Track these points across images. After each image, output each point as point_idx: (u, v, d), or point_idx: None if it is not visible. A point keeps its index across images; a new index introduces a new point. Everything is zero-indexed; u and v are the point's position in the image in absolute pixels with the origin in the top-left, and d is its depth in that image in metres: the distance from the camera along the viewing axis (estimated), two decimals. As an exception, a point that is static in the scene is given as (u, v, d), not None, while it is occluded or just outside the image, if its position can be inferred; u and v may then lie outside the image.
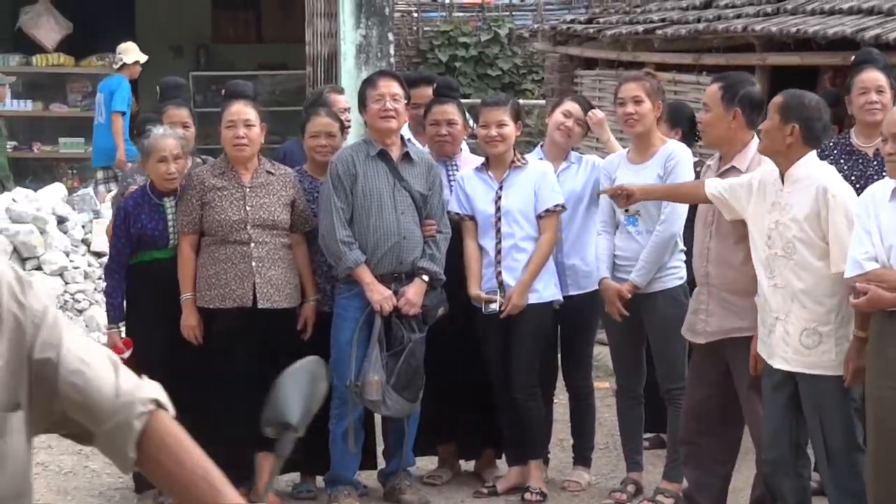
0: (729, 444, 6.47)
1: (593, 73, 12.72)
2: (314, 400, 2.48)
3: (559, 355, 7.46)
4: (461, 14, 18.67)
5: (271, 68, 18.36)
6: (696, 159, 7.30)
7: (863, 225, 5.48)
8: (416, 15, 18.34)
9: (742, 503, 6.64)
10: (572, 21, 13.62)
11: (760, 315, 5.96)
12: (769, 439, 5.96)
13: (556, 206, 7.10)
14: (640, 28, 11.82)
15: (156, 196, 7.09)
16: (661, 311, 6.90)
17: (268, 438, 2.46)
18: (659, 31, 11.52)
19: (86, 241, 11.58)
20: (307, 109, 7.62)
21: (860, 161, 6.73)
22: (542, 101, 14.45)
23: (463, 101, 8.15)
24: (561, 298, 7.18)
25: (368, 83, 7.19)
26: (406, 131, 7.38)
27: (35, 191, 11.88)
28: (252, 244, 6.93)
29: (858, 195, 5.75)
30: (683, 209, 6.89)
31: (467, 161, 7.50)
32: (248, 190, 6.99)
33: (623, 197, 6.67)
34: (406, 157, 7.05)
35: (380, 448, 7.34)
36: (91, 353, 2.37)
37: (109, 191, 12.59)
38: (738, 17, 10.82)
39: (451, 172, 7.41)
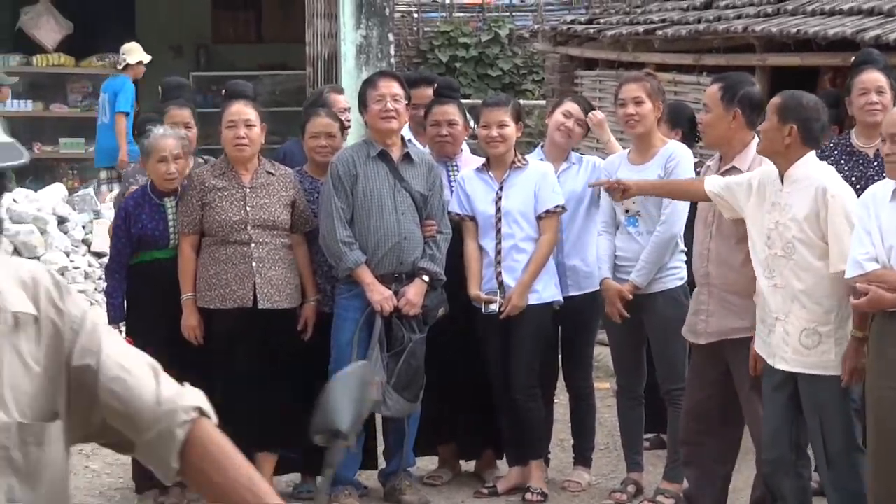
0: (729, 445, 6.47)
1: (594, 74, 12.72)
2: (364, 406, 2.40)
3: (559, 356, 7.46)
4: (461, 14, 18.66)
5: (271, 69, 18.35)
6: (697, 160, 7.31)
7: (863, 225, 5.49)
8: (416, 15, 18.33)
9: (742, 503, 6.65)
10: (573, 21, 13.62)
11: (759, 314, 5.96)
12: (769, 440, 5.96)
13: (557, 206, 7.10)
14: (641, 29, 11.82)
15: (156, 196, 7.09)
16: (662, 312, 6.90)
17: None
18: (659, 32, 11.51)
19: (86, 242, 11.59)
20: (307, 110, 7.62)
21: (860, 162, 6.74)
22: (543, 102, 14.45)
23: (463, 101, 8.15)
24: (561, 299, 7.18)
25: (369, 83, 7.19)
26: (406, 132, 7.38)
27: (35, 191, 11.89)
28: (252, 244, 6.93)
29: (859, 196, 5.75)
30: (684, 210, 6.89)
31: (468, 161, 7.50)
32: (248, 190, 6.99)
33: (619, 191, 6.67)
34: (406, 157, 7.05)
35: (380, 448, 7.34)
36: (131, 359, 2.32)
37: (112, 191, 12.60)
38: (739, 17, 10.82)
39: (451, 173, 7.41)
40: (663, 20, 11.77)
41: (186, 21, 18.86)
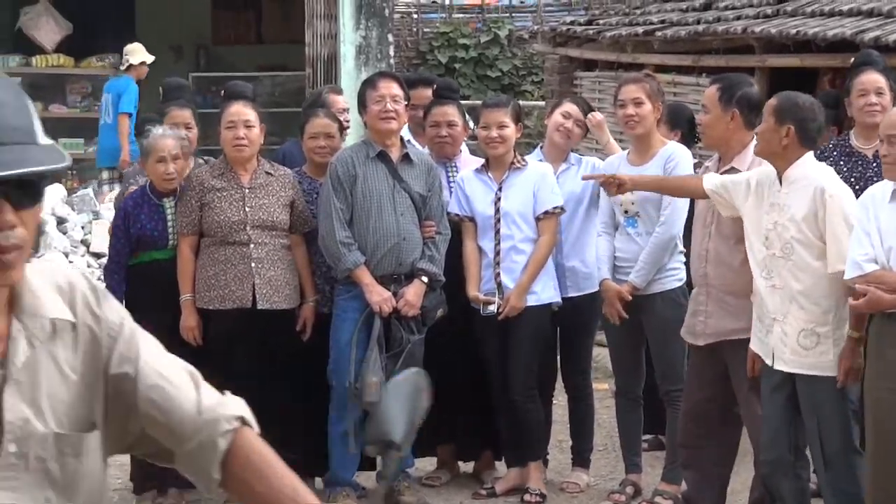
0: (727, 446, 6.47)
1: (593, 75, 12.73)
2: (417, 415, 2.34)
3: (558, 357, 7.46)
4: (461, 15, 18.69)
5: (271, 69, 18.36)
6: (696, 161, 7.30)
7: (862, 226, 5.49)
8: (415, 16, 18.35)
9: (741, 505, 6.65)
10: (572, 23, 13.63)
11: (756, 313, 5.95)
12: (768, 441, 5.96)
13: (555, 207, 7.10)
14: (640, 30, 11.83)
15: (155, 196, 7.09)
16: (661, 313, 6.90)
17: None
18: (658, 33, 11.53)
19: (85, 242, 11.58)
20: (306, 111, 7.62)
21: (860, 163, 6.74)
22: (542, 103, 14.46)
23: (462, 102, 8.15)
24: (559, 300, 7.18)
25: (368, 84, 7.19)
26: (406, 132, 7.38)
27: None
28: (251, 245, 6.93)
29: (858, 197, 5.76)
30: (683, 211, 6.88)
31: (467, 162, 7.49)
32: (247, 191, 6.99)
33: (614, 185, 6.66)
34: (406, 158, 7.04)
35: (379, 449, 7.34)
36: (170, 367, 2.27)
37: (113, 191, 12.61)
38: (738, 18, 10.83)
39: (450, 174, 7.41)
40: (662, 21, 11.78)
41: (186, 22, 18.88)
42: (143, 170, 7.40)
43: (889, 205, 5.46)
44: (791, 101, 5.83)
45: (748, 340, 6.04)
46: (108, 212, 10.72)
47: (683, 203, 6.84)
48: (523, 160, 7.22)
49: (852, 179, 6.49)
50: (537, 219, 7.09)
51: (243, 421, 2.29)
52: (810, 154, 5.85)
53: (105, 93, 14.44)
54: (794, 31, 9.77)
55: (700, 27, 10.97)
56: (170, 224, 7.05)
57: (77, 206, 12.06)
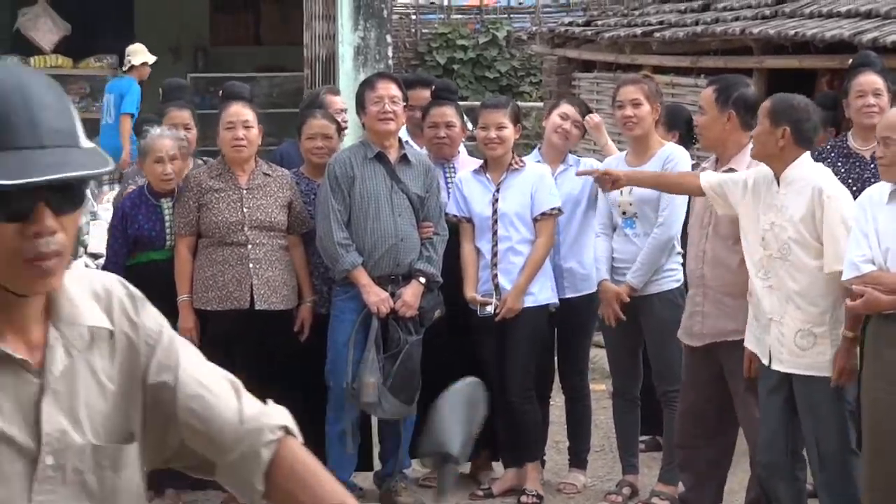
0: (724, 447, 6.47)
1: (591, 76, 12.74)
2: (474, 425, 2.21)
3: (555, 358, 7.46)
4: (459, 16, 18.70)
5: (269, 70, 18.36)
6: (694, 162, 7.30)
7: (860, 227, 5.49)
8: (414, 17, 18.37)
9: (738, 506, 6.65)
10: (570, 24, 13.65)
11: (752, 312, 5.95)
12: (765, 443, 5.96)
13: (553, 209, 7.10)
14: (638, 31, 11.84)
15: (153, 197, 7.09)
16: (658, 314, 6.90)
17: None
18: (657, 34, 11.53)
19: (82, 243, 11.56)
20: (303, 111, 7.62)
21: (857, 164, 6.74)
22: (540, 104, 14.46)
23: (461, 103, 8.15)
24: (557, 302, 7.17)
25: (367, 85, 7.19)
26: (404, 133, 7.38)
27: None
28: (249, 246, 6.93)
29: (856, 198, 5.76)
30: (682, 212, 6.88)
31: (465, 163, 7.49)
32: (245, 192, 6.99)
33: (609, 182, 6.65)
34: (404, 159, 7.04)
35: (376, 450, 7.34)
36: (211, 375, 2.20)
37: (112, 191, 12.61)
38: (736, 19, 10.84)
39: (448, 175, 7.41)
40: (661, 22, 11.79)
41: (185, 23, 18.88)
42: (141, 170, 7.40)
43: (886, 206, 5.47)
44: (785, 103, 5.84)
45: (744, 341, 6.04)
46: (105, 212, 10.70)
47: (682, 204, 6.83)
48: (521, 161, 7.22)
49: (850, 181, 6.49)
50: (535, 220, 7.09)
51: (287, 430, 2.22)
52: (807, 154, 5.86)
53: (107, 93, 14.43)
54: (792, 33, 9.78)
55: (698, 28, 10.97)
56: (167, 224, 7.05)
57: (75, 206, 12.04)
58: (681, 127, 7.86)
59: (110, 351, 2.11)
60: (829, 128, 7.47)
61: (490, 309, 7.04)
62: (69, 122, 1.96)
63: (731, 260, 6.20)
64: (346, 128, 7.76)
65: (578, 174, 7.10)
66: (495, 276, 7.07)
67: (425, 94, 7.68)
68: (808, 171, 5.81)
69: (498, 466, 7.51)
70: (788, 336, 5.77)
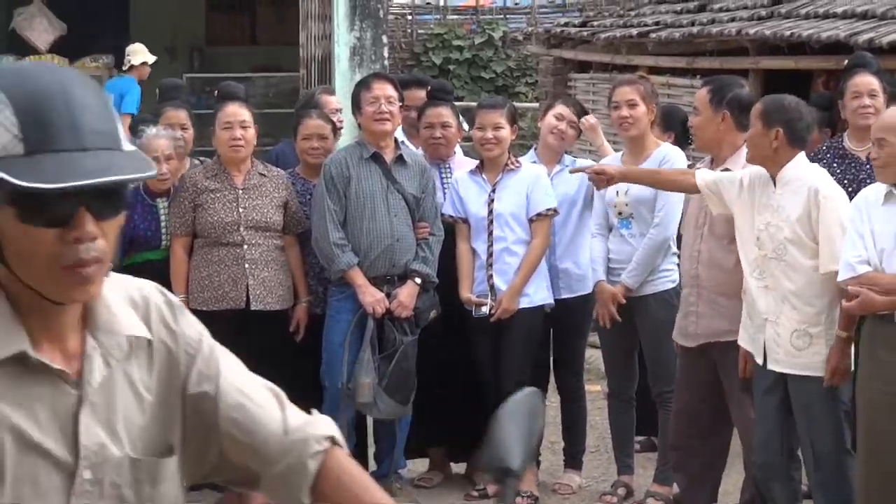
0: (719, 448, 6.47)
1: (587, 77, 12.74)
2: (534, 438, 2.19)
3: (551, 358, 7.45)
4: (455, 17, 18.70)
5: (265, 71, 18.36)
6: (689, 162, 7.30)
7: (855, 228, 5.49)
8: (410, 17, 18.37)
9: (733, 506, 6.66)
10: (566, 24, 13.65)
11: (747, 311, 5.95)
12: (760, 443, 5.96)
13: (548, 210, 7.09)
14: (634, 31, 11.84)
15: (149, 196, 7.09)
16: (654, 315, 6.90)
17: None
18: (653, 35, 11.54)
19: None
20: (299, 112, 7.62)
21: (853, 165, 6.74)
22: (536, 104, 14.46)
23: (456, 103, 8.15)
24: (552, 302, 7.17)
25: (363, 85, 7.18)
26: (400, 134, 7.38)
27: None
28: (245, 246, 6.93)
29: (851, 199, 5.76)
30: (677, 213, 6.87)
31: (461, 164, 7.49)
32: (240, 192, 6.98)
33: (603, 179, 6.64)
34: (399, 159, 7.04)
35: (371, 450, 7.34)
36: (252, 385, 2.15)
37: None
38: (732, 20, 10.85)
39: (444, 175, 7.41)
40: (657, 23, 11.80)
41: (181, 23, 18.88)
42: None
43: (882, 207, 5.47)
44: (777, 104, 5.84)
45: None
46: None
47: (678, 204, 6.82)
48: (517, 162, 7.22)
49: (845, 181, 6.49)
50: (530, 220, 7.09)
51: (333, 441, 2.15)
52: (802, 154, 5.86)
53: (106, 93, 14.42)
54: (788, 33, 9.79)
55: (694, 29, 10.98)
56: (163, 224, 7.05)
57: (71, 206, 12.04)
58: (676, 128, 7.86)
59: (148, 361, 2.04)
60: (825, 129, 7.48)
61: (485, 309, 7.04)
62: (111, 124, 1.90)
63: (726, 260, 6.20)
64: (341, 128, 7.76)
65: (572, 171, 7.08)
66: (491, 276, 7.06)
67: (421, 94, 7.68)
68: (804, 172, 5.81)
69: (493, 467, 7.49)
70: (784, 336, 5.77)
